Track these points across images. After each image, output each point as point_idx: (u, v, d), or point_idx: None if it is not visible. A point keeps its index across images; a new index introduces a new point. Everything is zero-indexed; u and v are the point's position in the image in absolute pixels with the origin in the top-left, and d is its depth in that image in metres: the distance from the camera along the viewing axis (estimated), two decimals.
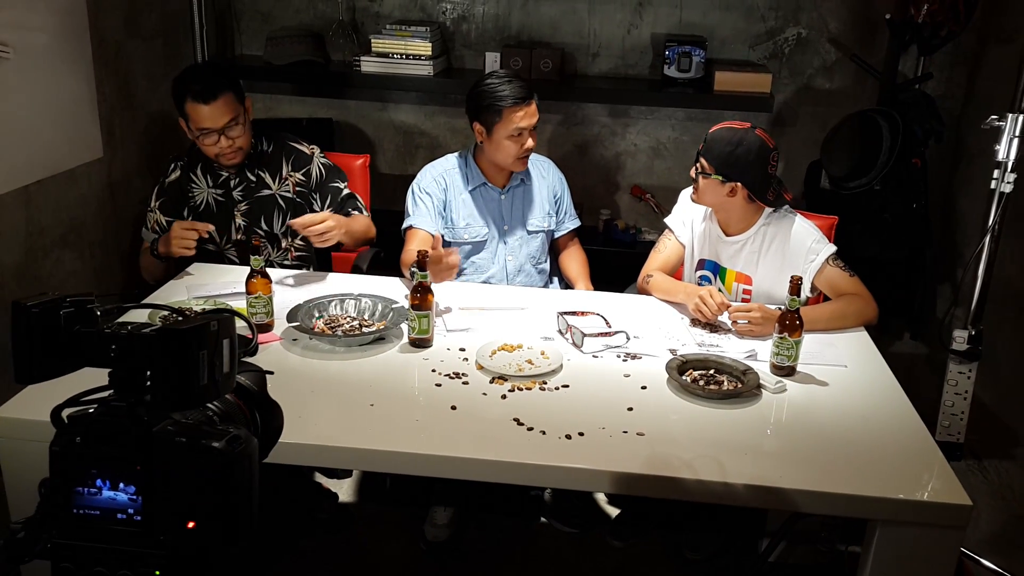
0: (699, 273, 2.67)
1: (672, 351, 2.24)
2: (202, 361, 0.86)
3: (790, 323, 2.09)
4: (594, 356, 2.22)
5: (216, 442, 0.85)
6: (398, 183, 3.64)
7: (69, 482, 0.88)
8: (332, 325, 2.31)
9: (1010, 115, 2.61)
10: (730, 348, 2.29)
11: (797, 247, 2.47)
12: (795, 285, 2.10)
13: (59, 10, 2.78)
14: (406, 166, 3.91)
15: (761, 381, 2.06)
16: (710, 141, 2.44)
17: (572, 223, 2.97)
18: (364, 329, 2.29)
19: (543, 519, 2.81)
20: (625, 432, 1.86)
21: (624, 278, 2.85)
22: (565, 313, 2.38)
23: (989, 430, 3.21)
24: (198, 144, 2.67)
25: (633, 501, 2.75)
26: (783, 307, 2.13)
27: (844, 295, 2.44)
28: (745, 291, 2.57)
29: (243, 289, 2.29)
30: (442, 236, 2.62)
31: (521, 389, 2.03)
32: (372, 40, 3.59)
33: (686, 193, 2.65)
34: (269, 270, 2.34)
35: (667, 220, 2.74)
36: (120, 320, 0.97)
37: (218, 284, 2.56)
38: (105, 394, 0.90)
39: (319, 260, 2.97)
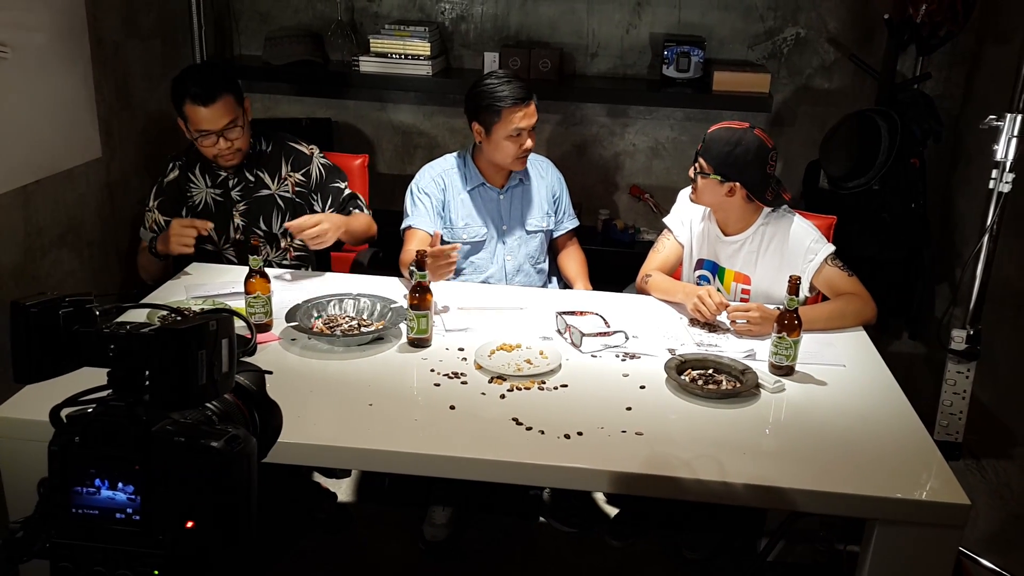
0: (698, 273, 2.67)
1: (671, 351, 2.24)
2: (201, 361, 0.86)
3: (789, 323, 2.10)
4: (593, 356, 2.23)
5: (215, 442, 0.85)
6: (397, 183, 3.64)
7: (68, 482, 0.88)
8: (331, 325, 2.31)
9: (1008, 115, 2.61)
10: (729, 348, 2.29)
11: (796, 247, 2.47)
12: (794, 285, 2.10)
13: (57, 10, 2.77)
14: (405, 166, 3.91)
15: (760, 381, 2.06)
16: (709, 141, 2.44)
17: (571, 223, 2.97)
18: (363, 329, 2.29)
19: (542, 519, 2.81)
20: (624, 432, 1.86)
21: (623, 278, 2.85)
22: (564, 313, 2.38)
23: (987, 430, 3.21)
24: (196, 145, 2.67)
25: (632, 501, 2.75)
26: (782, 307, 2.13)
27: (843, 295, 2.44)
28: (744, 291, 2.57)
29: (242, 289, 2.29)
30: (441, 236, 2.61)
31: (520, 389, 2.03)
32: (371, 40, 3.59)
33: (685, 193, 2.65)
34: (268, 270, 2.34)
35: (666, 220, 2.75)
36: (119, 320, 0.96)
37: (217, 284, 2.56)
38: (104, 394, 0.90)
39: (318, 260, 2.97)
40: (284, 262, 2.85)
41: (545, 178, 2.90)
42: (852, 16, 3.54)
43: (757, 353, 2.25)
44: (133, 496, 0.87)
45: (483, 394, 2.01)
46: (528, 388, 2.04)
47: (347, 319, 2.35)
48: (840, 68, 3.61)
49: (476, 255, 2.83)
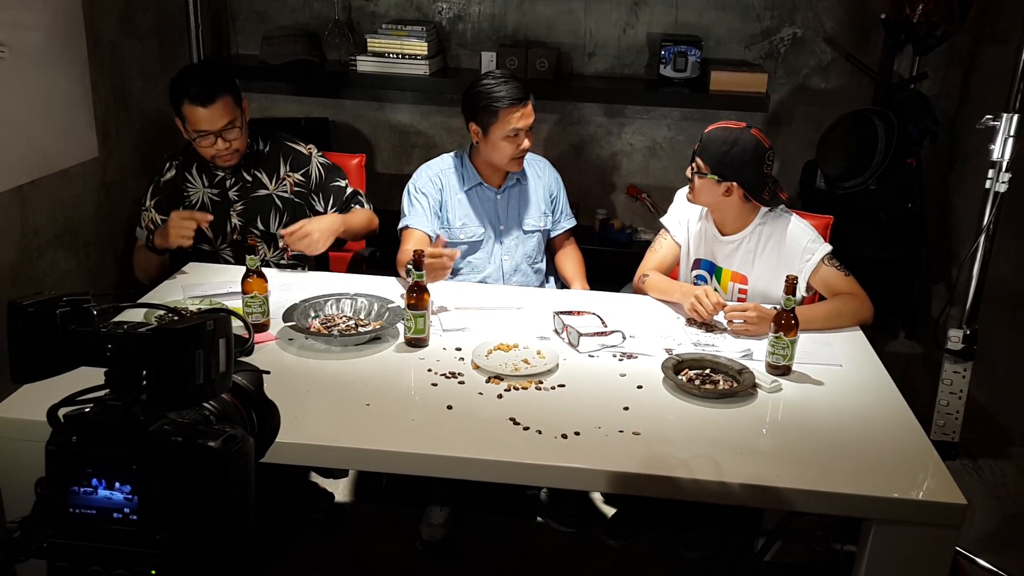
0: (695, 272, 2.67)
1: (668, 350, 2.24)
2: (198, 360, 0.86)
3: (786, 322, 2.10)
4: (590, 356, 2.23)
5: (212, 441, 0.85)
6: (394, 183, 3.64)
7: (65, 481, 0.88)
8: (328, 325, 2.31)
9: (1005, 115, 2.62)
10: (726, 347, 2.29)
11: (793, 247, 2.47)
12: (791, 284, 2.10)
13: (54, 10, 2.77)
14: (402, 166, 3.90)
15: (757, 380, 2.06)
16: (706, 141, 2.44)
17: (568, 223, 2.97)
18: (360, 329, 2.29)
19: (539, 519, 2.81)
20: (621, 431, 1.86)
21: (620, 278, 2.85)
22: (561, 313, 2.38)
23: (984, 429, 3.22)
24: (194, 145, 2.67)
25: (629, 500, 2.75)
26: (779, 306, 2.13)
27: (840, 294, 2.44)
28: (741, 290, 2.57)
29: (239, 289, 2.29)
30: (445, 240, 2.59)
31: (517, 389, 2.03)
32: (368, 40, 3.58)
33: (682, 193, 2.65)
34: (265, 270, 2.34)
35: (663, 220, 2.75)
36: (116, 319, 0.96)
37: (214, 284, 2.55)
38: (101, 393, 0.90)
39: (316, 258, 2.96)
40: (281, 262, 2.85)
41: (542, 178, 2.90)
42: (849, 16, 3.55)
43: (754, 353, 2.25)
44: (130, 496, 0.87)
45: (480, 394, 2.01)
46: (525, 388, 2.04)
47: (344, 319, 2.35)
48: (837, 68, 3.61)
49: (473, 255, 2.83)
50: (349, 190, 2.88)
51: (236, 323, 0.98)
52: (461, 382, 2.06)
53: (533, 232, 2.87)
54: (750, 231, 2.53)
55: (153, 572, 0.87)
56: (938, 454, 1.84)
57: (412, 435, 1.85)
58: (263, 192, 2.79)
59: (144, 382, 0.88)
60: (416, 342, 2.23)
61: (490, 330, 2.33)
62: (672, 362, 2.11)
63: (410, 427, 1.88)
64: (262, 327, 2.28)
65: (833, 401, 2.05)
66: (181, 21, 3.51)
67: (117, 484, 0.87)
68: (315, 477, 2.87)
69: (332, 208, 2.83)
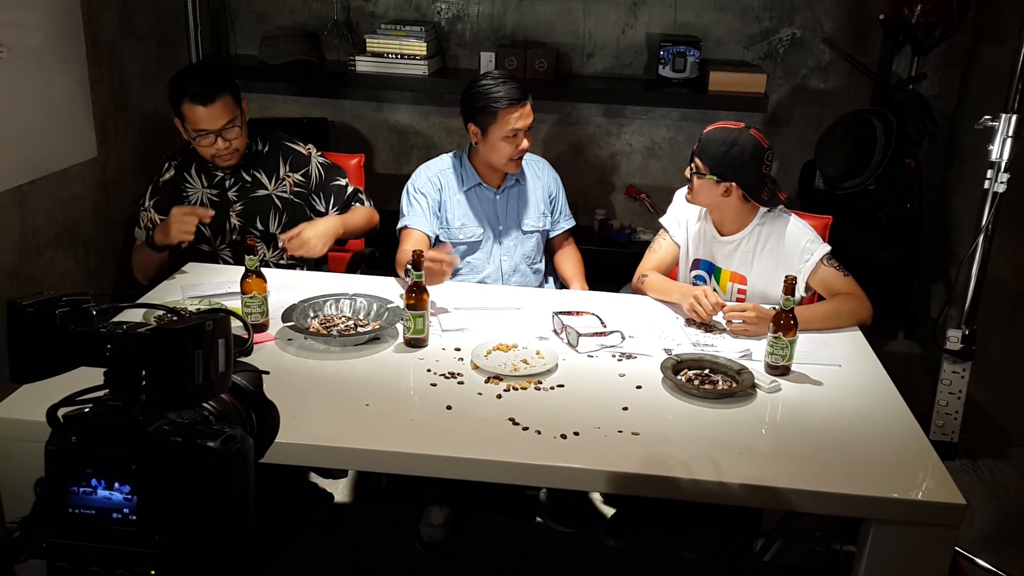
0: (694, 273, 2.67)
1: (667, 351, 2.25)
2: (197, 361, 0.86)
3: (785, 323, 2.10)
4: (589, 356, 2.23)
5: (211, 442, 0.85)
6: (393, 183, 3.64)
7: (64, 482, 0.88)
8: (327, 325, 2.31)
9: (1003, 115, 2.62)
10: (725, 348, 2.29)
11: (792, 247, 2.47)
12: (789, 285, 2.10)
13: (53, 10, 2.77)
14: (401, 166, 3.90)
15: (756, 381, 2.06)
16: (704, 141, 2.44)
17: (567, 223, 2.97)
18: (359, 329, 2.29)
19: (539, 519, 2.81)
20: (620, 432, 1.86)
21: (619, 278, 2.86)
22: (560, 313, 2.38)
23: (983, 429, 3.22)
24: (194, 145, 2.67)
25: (629, 501, 2.75)
26: (778, 307, 2.13)
27: (838, 295, 2.44)
28: (740, 291, 2.57)
29: (238, 289, 2.28)
30: (451, 248, 2.57)
31: (516, 389, 2.03)
32: (367, 40, 3.59)
33: (681, 193, 2.65)
34: (264, 270, 2.34)
35: (662, 220, 2.75)
36: (115, 320, 0.96)
37: (213, 284, 2.55)
38: (100, 393, 0.90)
39: (315, 260, 2.96)
40: (281, 262, 2.85)
41: (541, 178, 2.90)
42: (848, 16, 3.55)
43: (753, 353, 2.26)
44: (130, 496, 0.87)
45: (480, 394, 2.01)
46: (525, 388, 2.04)
47: (343, 319, 2.35)
48: (836, 68, 3.61)
49: (472, 255, 2.83)
50: (349, 188, 2.88)
51: (235, 323, 0.98)
52: (460, 382, 2.06)
53: (532, 233, 2.87)
54: (749, 231, 2.53)
55: (153, 572, 0.87)
56: (937, 454, 1.84)
57: (411, 435, 1.85)
58: (262, 192, 2.79)
59: (143, 382, 0.88)
60: (415, 342, 2.23)
61: (489, 330, 2.33)
62: (671, 362, 2.11)
63: (409, 427, 1.88)
64: (261, 327, 2.28)
65: (832, 401, 2.05)
66: (180, 21, 3.51)
67: (116, 484, 0.87)
68: (314, 477, 2.87)
69: (333, 207, 2.84)
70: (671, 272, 2.72)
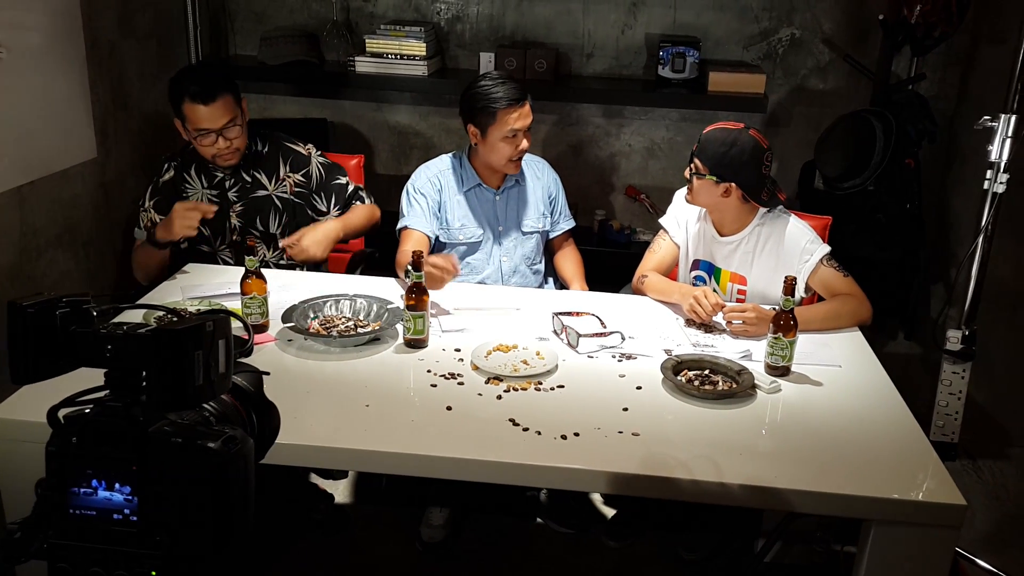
0: (694, 273, 2.67)
1: (667, 351, 2.24)
2: (197, 362, 0.86)
3: (784, 323, 2.10)
4: (589, 356, 2.23)
5: (212, 443, 0.85)
6: (393, 183, 3.64)
7: (65, 482, 0.87)
8: (327, 326, 2.31)
9: (1003, 115, 2.62)
10: (725, 348, 2.29)
11: (791, 247, 2.47)
12: (789, 285, 2.10)
13: (53, 10, 2.77)
14: (401, 166, 3.91)
15: (756, 381, 2.06)
16: (704, 142, 2.44)
17: (567, 224, 2.97)
18: (359, 330, 2.29)
19: (539, 519, 2.81)
20: (620, 432, 1.86)
21: (619, 278, 2.86)
22: (560, 314, 2.38)
23: (983, 430, 3.22)
24: (195, 145, 2.67)
25: (629, 501, 2.75)
26: (777, 307, 2.13)
27: (838, 295, 2.44)
28: (740, 291, 2.57)
29: (238, 290, 2.28)
30: (455, 259, 2.55)
31: (516, 390, 2.03)
32: (366, 40, 3.59)
33: (680, 193, 2.65)
34: (264, 270, 2.34)
35: (662, 220, 2.75)
36: (115, 320, 0.96)
37: (213, 285, 2.55)
38: (101, 394, 0.90)
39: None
40: (281, 262, 2.85)
41: (541, 179, 2.90)
42: (847, 17, 3.55)
43: (753, 354, 2.25)
44: (130, 497, 0.87)
45: (480, 395, 2.01)
46: (525, 389, 2.04)
47: (343, 320, 2.35)
48: (835, 69, 3.62)
49: (472, 256, 2.83)
50: (350, 187, 2.89)
51: (235, 324, 0.98)
52: (460, 383, 2.06)
53: (532, 233, 2.87)
54: (749, 232, 2.53)
55: (153, 573, 0.87)
56: (937, 455, 1.84)
57: (412, 436, 1.85)
58: (262, 193, 2.79)
59: (144, 383, 0.88)
60: (415, 343, 2.22)
61: (489, 331, 2.33)
62: (671, 363, 2.11)
63: (410, 428, 1.88)
64: (261, 328, 2.28)
65: (832, 402, 2.05)
66: (179, 21, 3.51)
67: (117, 485, 0.87)
68: (315, 478, 2.87)
69: (334, 206, 2.85)
70: (671, 273, 2.72)
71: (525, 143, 2.69)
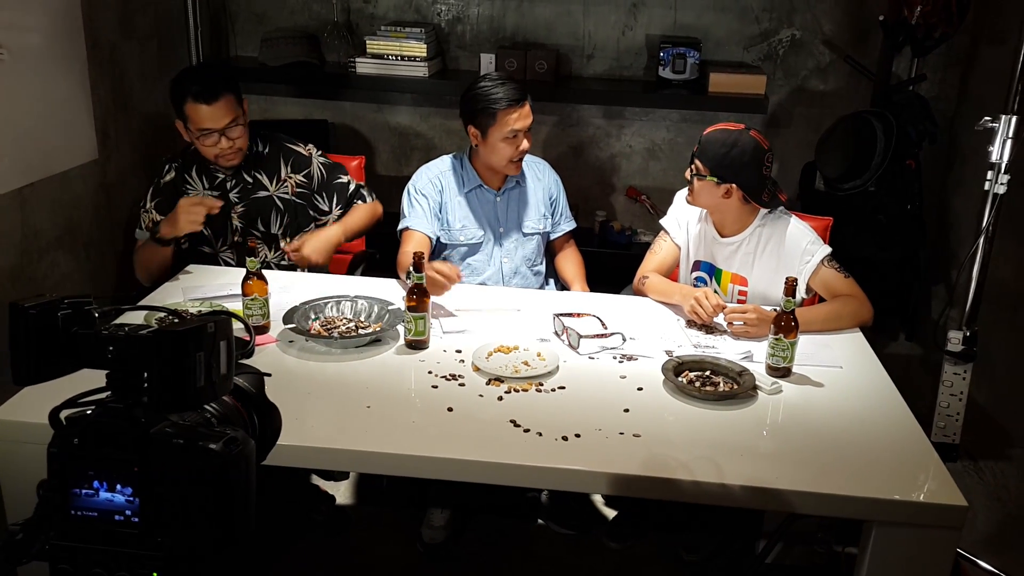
0: (695, 274, 2.67)
1: (668, 352, 2.24)
2: (199, 363, 0.86)
3: (785, 324, 2.10)
4: (590, 358, 2.23)
5: (213, 444, 0.85)
6: (393, 184, 3.64)
7: (67, 484, 0.88)
8: (328, 327, 2.31)
9: (1003, 116, 2.62)
10: (726, 349, 2.29)
11: (792, 248, 2.47)
12: (790, 286, 2.10)
13: (53, 11, 2.77)
14: (401, 167, 3.91)
15: (757, 382, 2.06)
16: (704, 143, 2.44)
17: (568, 225, 2.97)
18: (360, 331, 2.29)
19: (540, 521, 2.81)
20: (621, 433, 1.86)
21: (620, 279, 2.85)
22: (561, 315, 2.38)
23: (984, 431, 3.22)
24: (198, 145, 2.67)
25: (630, 503, 2.75)
26: (778, 308, 2.13)
27: (839, 296, 2.44)
28: (741, 292, 2.57)
29: (239, 291, 2.28)
30: (460, 271, 2.54)
31: (517, 391, 2.03)
32: (367, 41, 3.59)
33: (681, 194, 2.65)
34: (265, 271, 2.34)
35: (662, 221, 2.75)
36: (117, 322, 0.96)
37: (214, 286, 2.55)
38: (103, 395, 0.90)
39: None
40: (282, 262, 2.85)
41: (542, 180, 2.90)
42: (847, 18, 3.55)
43: (754, 355, 2.25)
44: (132, 498, 0.87)
45: (481, 396, 2.01)
46: (526, 390, 2.04)
47: (344, 321, 2.35)
48: (835, 70, 3.62)
49: (473, 257, 2.83)
50: (352, 186, 2.89)
51: (237, 325, 0.98)
52: (461, 384, 2.06)
53: (532, 235, 2.87)
54: (749, 233, 2.53)
55: (155, 574, 0.87)
56: (938, 456, 1.84)
57: (413, 437, 1.85)
58: (263, 193, 2.79)
59: (145, 384, 0.88)
60: (416, 344, 2.22)
61: (490, 332, 2.33)
62: (672, 364, 2.11)
63: (411, 429, 1.88)
64: (262, 329, 2.28)
65: (833, 403, 2.05)
66: (180, 22, 3.51)
67: (119, 486, 0.87)
68: (316, 479, 2.87)
69: (336, 205, 2.87)
70: (672, 274, 2.72)
71: (526, 144, 2.69)
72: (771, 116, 3.67)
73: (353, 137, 3.90)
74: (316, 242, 2.68)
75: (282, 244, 2.84)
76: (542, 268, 2.95)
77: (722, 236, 2.57)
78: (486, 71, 3.52)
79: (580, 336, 2.25)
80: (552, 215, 2.92)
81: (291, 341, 2.24)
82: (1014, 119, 2.60)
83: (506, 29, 3.72)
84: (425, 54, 3.53)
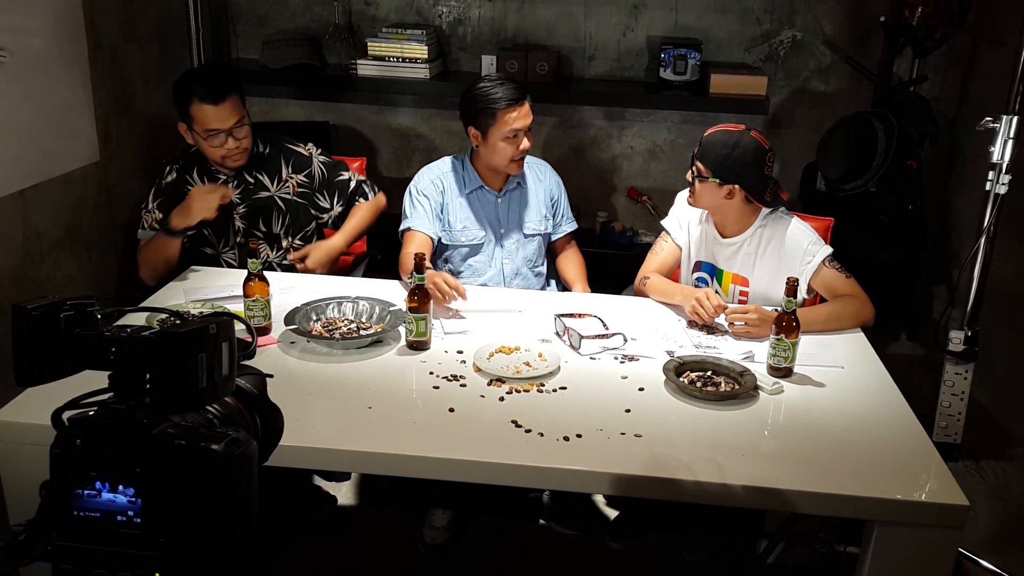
0: (696, 275, 2.67)
1: (669, 353, 2.25)
2: (201, 364, 0.86)
3: (787, 325, 2.10)
4: (591, 358, 2.23)
5: (215, 444, 0.85)
6: (395, 186, 3.64)
7: (69, 484, 0.88)
8: (330, 328, 2.31)
9: (1004, 117, 2.63)
10: (727, 350, 2.29)
11: (793, 249, 2.47)
12: (791, 287, 2.10)
13: (55, 14, 2.78)
14: (403, 169, 3.91)
15: (758, 382, 2.06)
16: (706, 144, 2.44)
17: (569, 226, 2.97)
18: (362, 332, 2.29)
19: (542, 521, 2.81)
20: (623, 434, 1.86)
21: (621, 280, 2.86)
22: (562, 315, 2.38)
23: (986, 431, 3.22)
24: (204, 147, 2.67)
25: (631, 503, 2.75)
26: (780, 309, 2.13)
27: (840, 296, 2.44)
28: (742, 293, 2.57)
29: (240, 292, 2.29)
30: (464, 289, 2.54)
31: (519, 391, 2.03)
32: (368, 43, 3.60)
33: (682, 195, 2.65)
34: (267, 273, 2.35)
35: (663, 222, 2.75)
36: (119, 323, 0.97)
37: (216, 287, 2.56)
38: (105, 397, 0.90)
39: None
40: (284, 262, 2.85)
41: (543, 181, 2.91)
42: (848, 19, 3.55)
43: (755, 355, 2.25)
44: (134, 499, 0.87)
45: (482, 396, 2.01)
46: (527, 390, 2.04)
47: (346, 322, 2.35)
48: (836, 70, 3.62)
49: (474, 258, 2.83)
50: (353, 183, 2.91)
51: (239, 327, 0.98)
52: (463, 385, 2.06)
53: (533, 236, 2.87)
54: (751, 233, 2.53)
55: (157, 575, 0.87)
56: (940, 455, 1.84)
57: (414, 438, 1.85)
58: (265, 194, 2.80)
59: (147, 385, 0.88)
60: (418, 345, 2.23)
61: (492, 333, 2.33)
62: (673, 364, 2.11)
63: (412, 430, 1.88)
64: (264, 330, 2.28)
65: (835, 403, 2.05)
66: (181, 25, 3.52)
67: (121, 487, 0.87)
68: (318, 480, 2.87)
69: (338, 203, 2.89)
70: (673, 274, 2.72)
71: (526, 143, 2.69)
72: (772, 117, 3.67)
73: (354, 139, 3.90)
74: (319, 254, 2.76)
75: (283, 243, 2.84)
76: (543, 269, 2.95)
77: (723, 237, 2.57)
78: (487, 73, 3.52)
79: (581, 337, 2.25)
80: (553, 216, 2.93)
81: (293, 342, 2.25)
82: (1015, 120, 2.61)
83: (507, 31, 3.72)
84: (426, 56, 3.54)
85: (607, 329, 2.35)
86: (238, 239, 2.80)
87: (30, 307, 0.89)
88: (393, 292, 2.55)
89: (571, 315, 2.42)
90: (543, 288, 2.94)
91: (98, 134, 3.03)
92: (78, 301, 0.91)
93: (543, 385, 2.06)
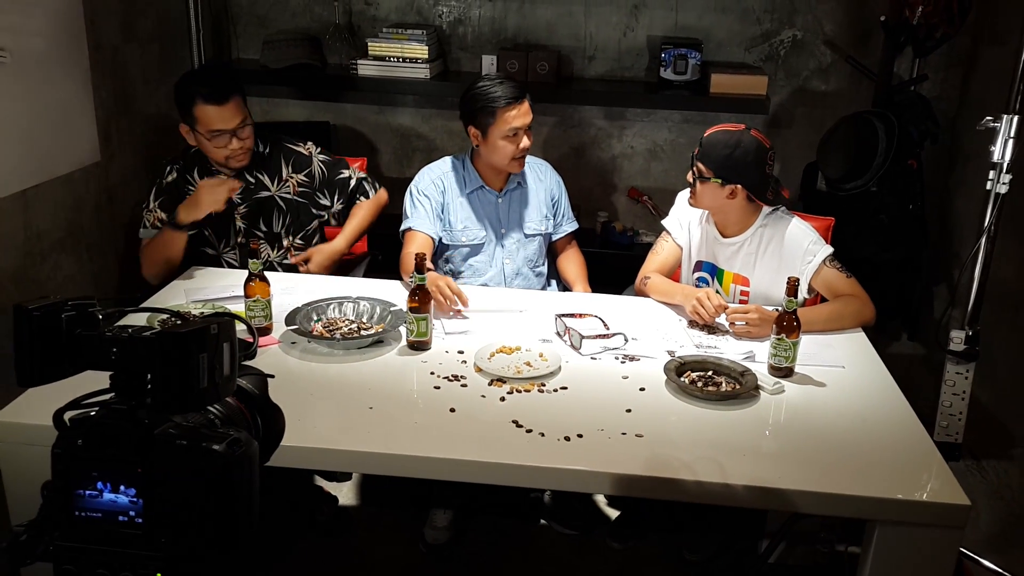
0: (696, 275, 2.67)
1: (670, 353, 2.25)
2: (202, 364, 0.86)
3: (788, 324, 2.10)
4: (592, 358, 2.23)
5: (216, 445, 0.85)
6: (395, 186, 3.64)
7: (71, 485, 0.88)
8: (331, 328, 2.31)
9: (1005, 116, 2.62)
10: (728, 349, 2.29)
11: (794, 248, 2.47)
12: (792, 286, 2.10)
13: (55, 15, 2.78)
14: (403, 169, 3.91)
15: (759, 382, 2.06)
16: (707, 145, 2.44)
17: (570, 226, 2.97)
18: (362, 332, 2.29)
19: (543, 521, 2.81)
20: (624, 434, 1.86)
21: (622, 280, 2.86)
22: (563, 315, 2.38)
23: (987, 430, 3.22)
24: (207, 147, 2.67)
25: (632, 503, 2.75)
26: (780, 308, 2.13)
27: (841, 296, 2.44)
28: (743, 292, 2.57)
29: (241, 292, 2.29)
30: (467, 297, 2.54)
31: (520, 391, 2.03)
32: (369, 43, 3.60)
33: (683, 195, 2.65)
34: (267, 273, 2.35)
35: (664, 222, 2.75)
36: (120, 323, 0.97)
37: (216, 288, 2.56)
38: (106, 397, 0.90)
39: None
40: (285, 261, 2.85)
41: (543, 181, 2.91)
42: (848, 18, 3.55)
43: (756, 355, 2.25)
44: (135, 499, 0.87)
45: (483, 397, 2.01)
46: (528, 390, 2.04)
47: (347, 322, 2.35)
48: (837, 70, 3.62)
49: (475, 258, 2.83)
50: (353, 181, 2.92)
51: (240, 327, 0.98)
52: (464, 385, 2.06)
53: (534, 236, 2.87)
54: (751, 233, 2.53)
55: (158, 575, 0.87)
56: (941, 455, 1.84)
57: (415, 438, 1.85)
58: (265, 194, 2.80)
59: (149, 386, 0.88)
60: (418, 345, 2.23)
61: (492, 333, 2.33)
62: (674, 364, 2.11)
63: (413, 430, 1.89)
64: (264, 331, 2.28)
65: (836, 402, 2.05)
66: (182, 25, 3.52)
67: (122, 487, 0.87)
68: (319, 480, 2.87)
69: (338, 200, 2.90)
70: (674, 274, 2.72)
71: (526, 141, 2.69)
72: (772, 117, 3.67)
73: (355, 139, 3.90)
74: (321, 258, 2.79)
75: (284, 243, 2.85)
76: (544, 269, 2.95)
77: (724, 236, 2.57)
78: (487, 72, 3.52)
79: (582, 336, 2.25)
80: (554, 216, 2.93)
81: (293, 342, 2.25)
82: (1015, 119, 2.61)
83: (507, 31, 3.72)
84: (427, 56, 3.54)
85: (608, 329, 2.35)
86: (239, 239, 2.80)
87: (31, 307, 0.89)
88: (394, 292, 2.55)
89: (572, 315, 2.42)
90: (544, 288, 2.94)
91: (99, 134, 3.04)
92: (79, 301, 0.91)
93: (544, 385, 2.07)
